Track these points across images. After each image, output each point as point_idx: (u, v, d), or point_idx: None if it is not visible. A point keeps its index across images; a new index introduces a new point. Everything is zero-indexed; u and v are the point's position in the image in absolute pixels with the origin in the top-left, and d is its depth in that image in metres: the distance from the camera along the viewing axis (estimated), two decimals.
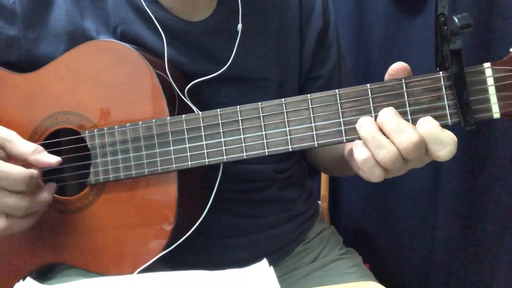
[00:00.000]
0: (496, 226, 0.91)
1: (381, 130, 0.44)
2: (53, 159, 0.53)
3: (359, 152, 0.45)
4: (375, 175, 0.45)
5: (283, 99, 0.48)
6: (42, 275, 0.65)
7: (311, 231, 0.77)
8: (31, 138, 0.59)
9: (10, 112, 0.60)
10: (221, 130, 0.50)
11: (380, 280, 0.66)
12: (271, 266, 0.46)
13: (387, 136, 0.44)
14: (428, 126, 0.42)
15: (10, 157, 0.53)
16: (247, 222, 0.68)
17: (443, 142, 0.42)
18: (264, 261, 0.47)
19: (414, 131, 0.42)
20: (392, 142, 0.43)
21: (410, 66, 0.47)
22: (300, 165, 0.77)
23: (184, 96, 0.57)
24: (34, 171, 0.50)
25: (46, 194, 0.53)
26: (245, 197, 0.68)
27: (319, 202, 0.97)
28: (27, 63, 0.62)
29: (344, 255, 0.76)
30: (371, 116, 0.45)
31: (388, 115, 0.44)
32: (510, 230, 0.89)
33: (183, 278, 0.46)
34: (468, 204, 0.93)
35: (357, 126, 0.45)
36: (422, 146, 0.43)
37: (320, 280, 0.70)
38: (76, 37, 0.60)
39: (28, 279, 0.48)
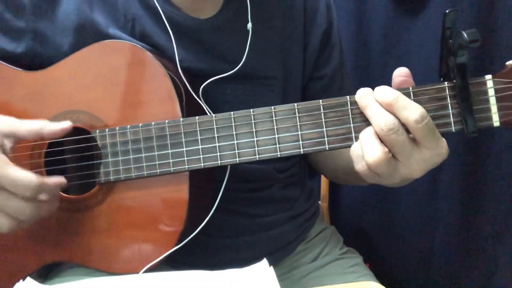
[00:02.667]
0: (496, 226, 0.95)
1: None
2: (65, 124, 0.56)
3: (354, 146, 0.51)
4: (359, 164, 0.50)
5: (295, 104, 0.53)
6: (43, 274, 0.68)
7: (312, 231, 0.81)
8: None
9: (18, 110, 0.63)
10: (234, 132, 0.55)
11: (380, 280, 0.70)
12: (271, 266, 0.49)
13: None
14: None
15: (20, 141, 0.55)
16: (249, 222, 0.72)
17: (409, 107, 0.47)
18: (264, 261, 0.50)
19: (391, 116, 0.48)
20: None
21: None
22: (300, 165, 0.82)
23: (199, 97, 0.62)
24: (44, 180, 0.52)
25: (55, 201, 0.56)
26: (247, 196, 0.72)
27: (319, 202, 1.02)
28: (34, 56, 0.65)
29: (344, 254, 0.80)
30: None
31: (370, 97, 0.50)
32: (510, 230, 0.94)
33: (184, 278, 0.49)
34: (468, 204, 0.97)
35: (356, 98, 0.51)
36: (398, 126, 0.48)
37: (321, 280, 0.75)
38: (86, 31, 0.63)
39: (28, 279, 0.51)
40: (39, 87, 0.63)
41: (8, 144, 0.54)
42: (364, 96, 0.50)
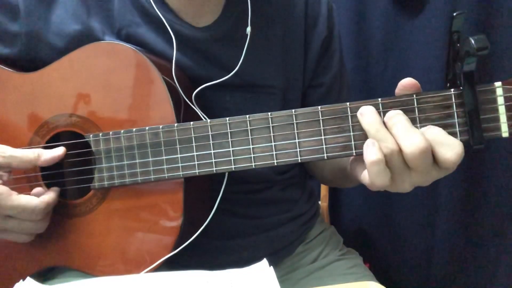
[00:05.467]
0: (496, 226, 0.94)
1: (386, 127, 0.46)
2: (58, 152, 0.57)
3: (370, 153, 0.45)
4: (380, 178, 0.45)
5: (293, 110, 0.50)
6: (42, 274, 0.66)
7: (312, 231, 0.79)
8: (33, 140, 0.60)
9: (12, 112, 0.61)
10: (229, 140, 0.51)
11: (380, 280, 0.68)
12: (271, 266, 0.47)
13: (394, 139, 0.45)
14: (434, 131, 0.44)
15: (14, 170, 0.56)
16: (249, 223, 0.70)
17: (450, 145, 0.44)
18: (264, 261, 0.48)
19: (422, 137, 0.44)
20: (398, 145, 0.44)
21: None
22: (301, 167, 0.79)
23: (192, 103, 0.58)
24: (47, 201, 0.55)
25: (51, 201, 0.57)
26: (247, 198, 0.70)
27: (319, 202, 0.99)
28: (29, 59, 0.63)
29: (344, 255, 0.78)
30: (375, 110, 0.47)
31: (400, 117, 0.45)
32: (510, 230, 0.92)
33: (184, 278, 0.47)
34: (468, 204, 0.96)
35: (358, 114, 0.47)
36: (429, 152, 0.44)
37: (321, 280, 0.73)
38: (84, 36, 0.61)
39: (28, 279, 0.49)
40: (33, 89, 0.61)
41: (5, 175, 0.56)
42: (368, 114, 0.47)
